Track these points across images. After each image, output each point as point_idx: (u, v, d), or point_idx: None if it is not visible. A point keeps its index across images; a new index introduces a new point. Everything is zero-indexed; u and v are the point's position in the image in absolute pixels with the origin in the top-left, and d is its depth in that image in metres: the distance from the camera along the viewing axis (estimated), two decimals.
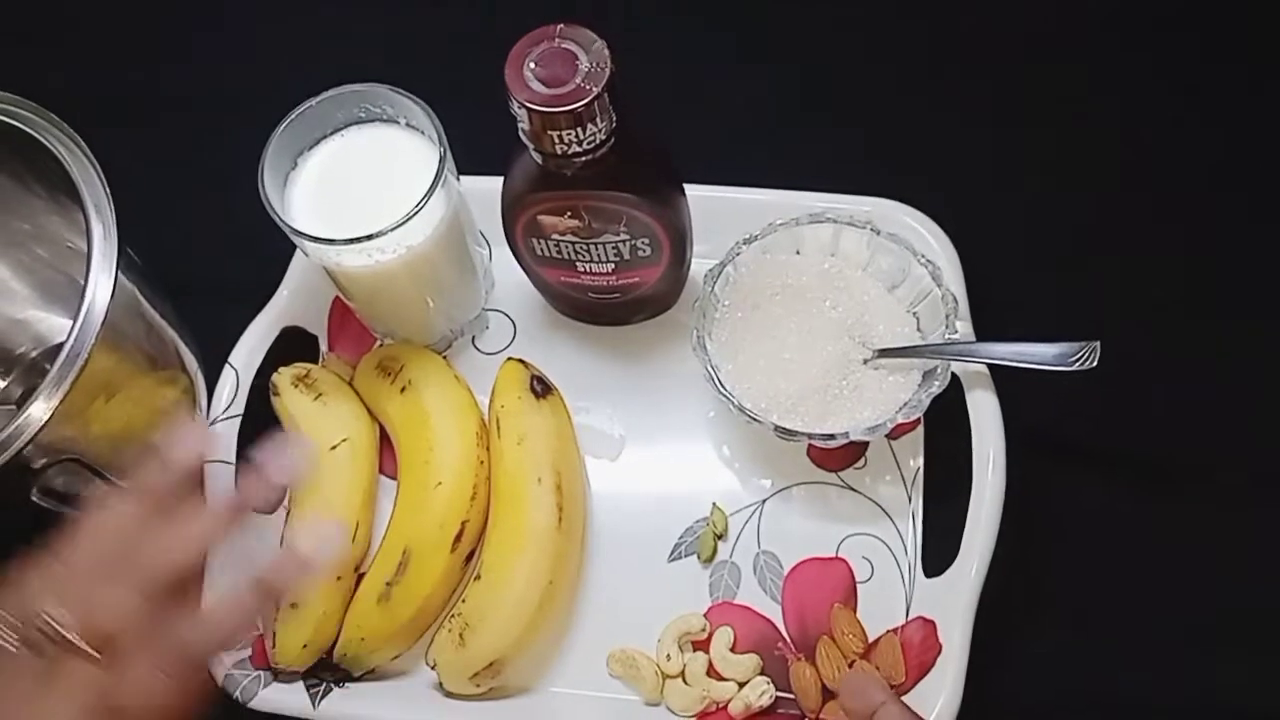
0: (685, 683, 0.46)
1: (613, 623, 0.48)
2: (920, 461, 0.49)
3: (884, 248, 0.48)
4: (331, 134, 0.47)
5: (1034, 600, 0.48)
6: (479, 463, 0.48)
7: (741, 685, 0.46)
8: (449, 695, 0.46)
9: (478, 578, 0.46)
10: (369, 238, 0.42)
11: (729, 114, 0.60)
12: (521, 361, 0.51)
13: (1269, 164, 0.56)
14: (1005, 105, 0.60)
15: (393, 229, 0.43)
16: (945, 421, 0.48)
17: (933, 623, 0.45)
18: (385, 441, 0.52)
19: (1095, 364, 0.44)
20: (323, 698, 0.46)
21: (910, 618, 0.46)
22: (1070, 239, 0.56)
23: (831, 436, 0.45)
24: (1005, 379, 0.47)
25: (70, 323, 0.41)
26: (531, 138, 0.40)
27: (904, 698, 0.43)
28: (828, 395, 0.47)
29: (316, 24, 0.66)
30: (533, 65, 0.39)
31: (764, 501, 0.50)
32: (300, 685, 0.46)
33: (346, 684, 0.47)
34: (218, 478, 0.50)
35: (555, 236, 0.46)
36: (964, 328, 0.49)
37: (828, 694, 0.45)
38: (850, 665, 0.45)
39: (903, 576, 0.48)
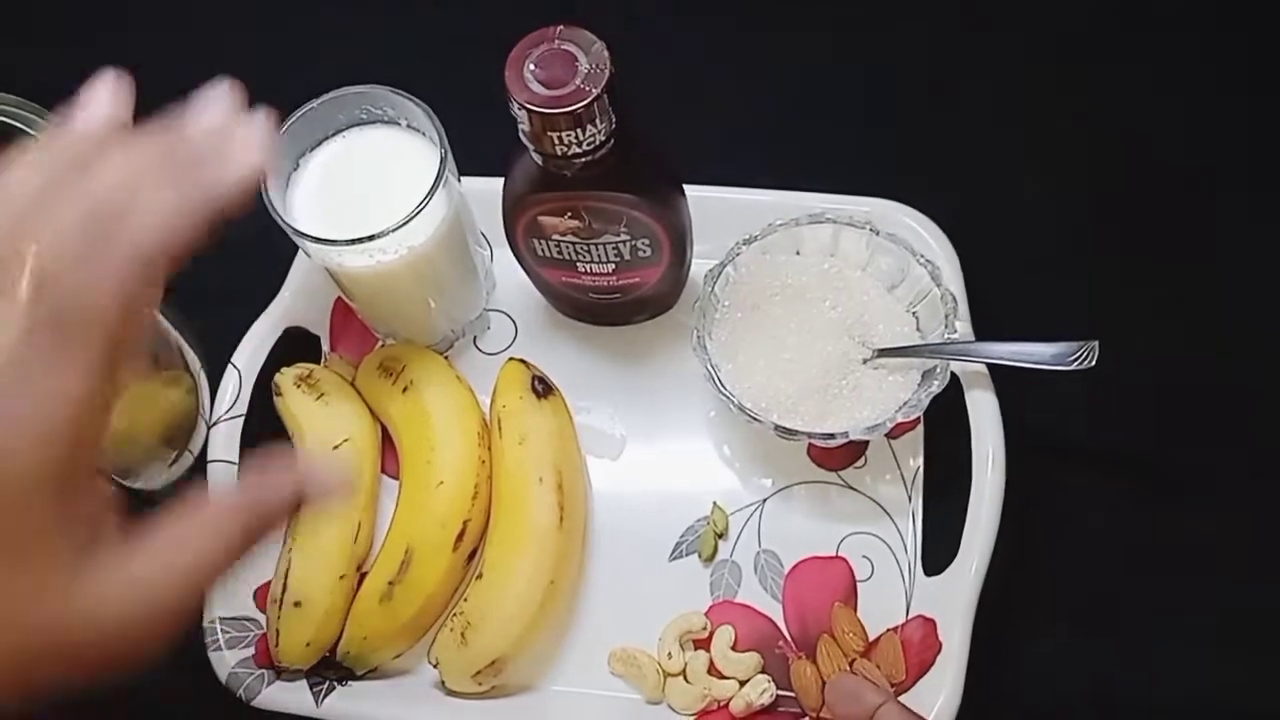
0: (686, 681, 0.46)
1: (614, 621, 0.48)
2: (920, 461, 0.50)
3: (883, 248, 0.49)
4: (333, 135, 0.47)
5: (1034, 599, 0.48)
6: (481, 462, 0.49)
7: (742, 684, 0.46)
8: (451, 693, 0.46)
9: (479, 577, 0.46)
10: (371, 238, 0.43)
11: (729, 114, 0.60)
12: (523, 362, 0.51)
13: (1270, 164, 0.56)
14: (1005, 105, 0.60)
15: (394, 230, 0.43)
16: (945, 421, 0.48)
17: (933, 621, 0.45)
18: (387, 441, 0.52)
19: (1094, 363, 0.44)
20: (326, 696, 0.46)
21: (910, 616, 0.46)
22: (1070, 239, 0.56)
23: (831, 436, 0.46)
24: (1004, 378, 0.47)
25: None
26: (532, 139, 0.40)
27: (904, 696, 0.44)
28: (827, 395, 0.47)
29: (317, 26, 0.66)
30: (532, 67, 0.39)
31: (764, 501, 0.50)
32: (303, 684, 0.47)
33: (349, 682, 0.47)
34: (220, 477, 0.50)
35: (556, 237, 0.46)
36: (963, 327, 0.49)
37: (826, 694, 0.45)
38: (851, 664, 0.45)
39: (903, 575, 0.48)
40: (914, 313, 0.49)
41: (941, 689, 0.43)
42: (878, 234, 0.48)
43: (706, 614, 0.48)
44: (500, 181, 0.46)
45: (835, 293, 0.49)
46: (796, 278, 0.50)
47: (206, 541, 0.28)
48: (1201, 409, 0.51)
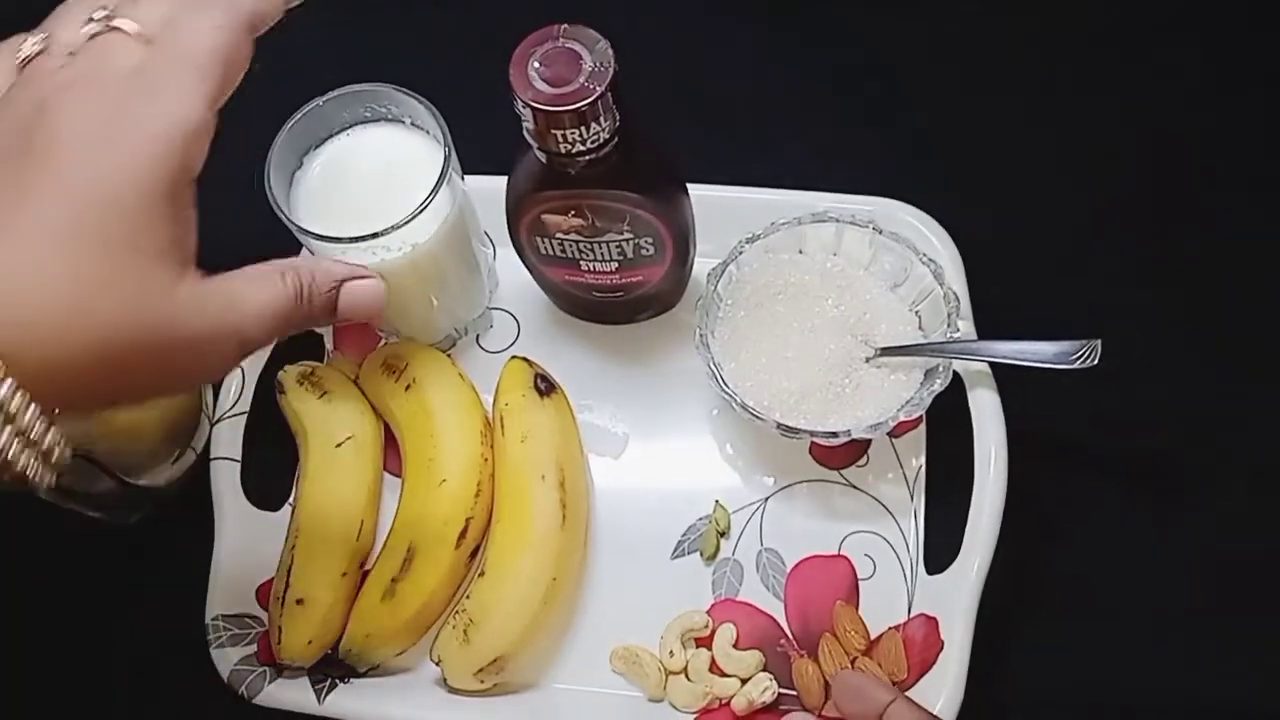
0: (688, 679, 0.46)
1: (616, 619, 0.48)
2: (922, 459, 0.50)
3: (886, 247, 0.49)
4: (337, 133, 0.47)
5: (1035, 597, 0.48)
6: (483, 460, 0.49)
7: (744, 682, 0.46)
8: (453, 691, 0.46)
9: (482, 574, 0.47)
10: (374, 236, 0.43)
11: (731, 114, 0.60)
12: (525, 360, 0.51)
13: (1271, 164, 0.57)
14: (1006, 104, 0.60)
15: (398, 228, 0.43)
16: (947, 419, 0.48)
17: (935, 620, 0.45)
18: (390, 439, 0.52)
19: (1096, 362, 0.44)
20: (328, 693, 0.46)
21: (912, 615, 0.46)
22: (1071, 238, 0.56)
23: (834, 434, 0.46)
24: (1007, 377, 0.48)
25: None
26: (535, 137, 0.41)
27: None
28: (830, 393, 0.48)
29: (321, 23, 0.65)
30: (537, 65, 0.39)
31: (766, 499, 0.50)
32: (305, 681, 0.47)
33: (351, 680, 0.47)
34: (224, 474, 0.50)
35: (559, 235, 0.46)
36: (965, 326, 0.49)
37: (830, 691, 0.45)
38: (853, 662, 0.46)
39: (905, 574, 0.48)
40: (916, 311, 0.49)
41: (943, 687, 0.43)
42: (880, 233, 0.48)
43: (708, 612, 0.48)
44: (504, 180, 0.46)
45: (838, 291, 0.49)
46: (799, 276, 0.50)
47: (276, 293, 0.34)
48: (1202, 407, 0.51)
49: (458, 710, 0.46)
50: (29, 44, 0.32)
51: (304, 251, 0.53)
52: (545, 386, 0.50)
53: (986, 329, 0.50)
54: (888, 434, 0.50)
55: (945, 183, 0.54)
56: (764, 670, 0.46)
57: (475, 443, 0.49)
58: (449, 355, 0.53)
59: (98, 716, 0.51)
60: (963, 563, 0.45)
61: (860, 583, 0.48)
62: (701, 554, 0.49)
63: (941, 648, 0.44)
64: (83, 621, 0.52)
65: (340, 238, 0.43)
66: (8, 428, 0.27)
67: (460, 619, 0.46)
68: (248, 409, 0.51)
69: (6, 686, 0.51)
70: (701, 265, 0.51)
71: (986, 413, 0.47)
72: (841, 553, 0.49)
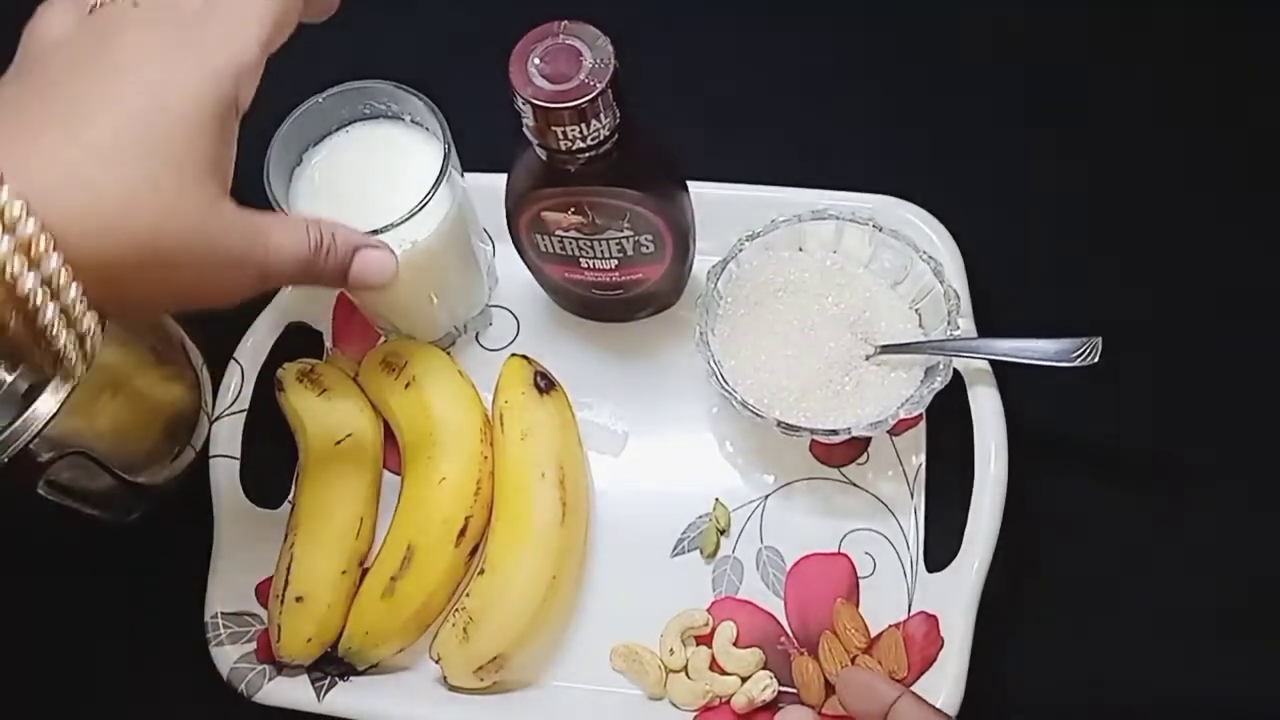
0: (688, 677, 0.46)
1: (616, 617, 0.48)
2: (922, 457, 0.50)
3: (886, 244, 0.49)
4: (336, 130, 0.47)
5: (1036, 595, 0.48)
6: (483, 458, 0.49)
7: (744, 680, 0.46)
8: (453, 689, 0.46)
9: (481, 572, 0.46)
10: (374, 233, 0.42)
11: (731, 111, 0.60)
12: (525, 358, 0.51)
13: (1271, 164, 0.56)
14: (1007, 103, 0.60)
15: (397, 225, 0.43)
16: (947, 417, 0.48)
17: (935, 618, 0.45)
18: (389, 437, 0.52)
19: (1097, 360, 0.44)
20: (327, 691, 0.46)
21: (912, 613, 0.46)
22: (1072, 236, 0.56)
23: (834, 432, 0.46)
24: (1007, 375, 0.47)
25: None
26: (535, 134, 0.40)
27: None
28: (830, 391, 0.48)
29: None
30: (536, 61, 0.39)
31: (766, 497, 0.50)
32: (305, 679, 0.47)
33: (351, 678, 0.47)
34: (223, 472, 0.50)
35: (559, 233, 0.46)
36: (965, 324, 0.49)
37: (830, 689, 0.45)
38: (853, 660, 0.45)
39: (905, 572, 0.48)
40: (916, 309, 0.49)
41: (944, 685, 0.43)
42: (880, 230, 0.48)
43: (708, 610, 0.48)
44: (503, 177, 0.46)
45: (838, 289, 0.49)
46: (799, 274, 0.50)
47: (301, 240, 0.36)
48: (1203, 405, 0.51)
49: (457, 708, 0.46)
50: None
51: None
52: (545, 384, 0.50)
53: (986, 327, 0.50)
54: (888, 432, 0.50)
55: (945, 180, 0.54)
56: (764, 668, 0.46)
57: (475, 440, 0.49)
58: (448, 353, 0.53)
59: (97, 714, 0.51)
60: (963, 560, 0.45)
61: (860, 580, 0.48)
62: (701, 552, 0.49)
63: (941, 645, 0.44)
64: (82, 619, 0.51)
65: None
66: (53, 303, 0.29)
67: (460, 617, 0.46)
68: (247, 406, 0.51)
69: (6, 684, 0.51)
70: (701, 263, 0.51)
71: (987, 410, 0.47)
72: (841, 550, 0.48)
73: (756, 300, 0.50)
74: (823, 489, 0.50)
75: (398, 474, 0.51)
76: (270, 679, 0.46)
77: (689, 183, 0.47)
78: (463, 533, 0.47)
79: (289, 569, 0.47)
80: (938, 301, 0.47)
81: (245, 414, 0.51)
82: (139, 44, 0.32)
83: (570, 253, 0.47)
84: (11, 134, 0.29)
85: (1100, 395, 0.50)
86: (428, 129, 0.46)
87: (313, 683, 0.47)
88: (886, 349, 0.48)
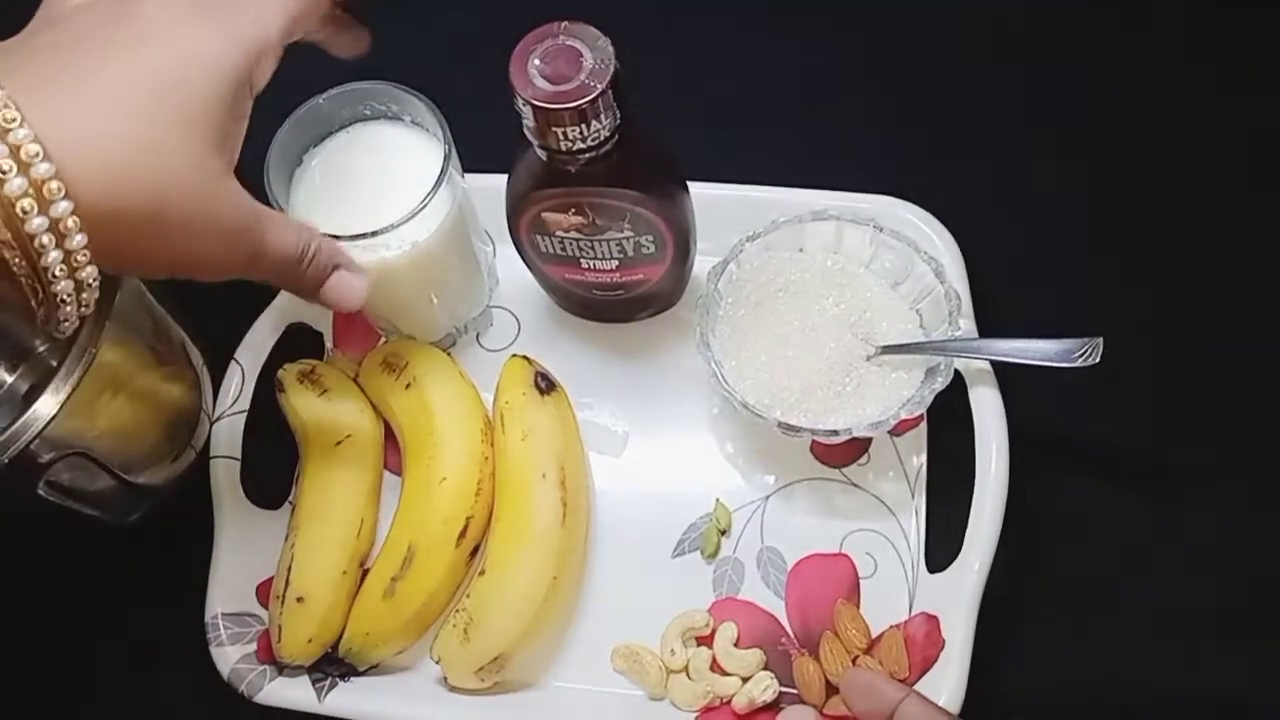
0: (689, 678, 0.46)
1: (617, 618, 0.48)
2: (923, 458, 0.50)
3: (887, 245, 0.49)
4: (337, 131, 0.47)
5: (1037, 596, 0.48)
6: (483, 459, 0.49)
7: (745, 680, 0.46)
8: (453, 690, 0.46)
9: (482, 573, 0.46)
10: (374, 234, 0.43)
11: (732, 111, 0.60)
12: (526, 358, 0.51)
13: (1271, 164, 0.56)
14: (1007, 103, 0.60)
15: (398, 226, 0.43)
16: (948, 418, 0.48)
17: (936, 618, 0.45)
18: (390, 437, 0.52)
19: (1098, 360, 0.44)
20: (328, 692, 0.46)
21: (913, 613, 0.46)
22: (1072, 236, 0.56)
23: (835, 433, 0.46)
24: (1008, 375, 0.47)
25: None
26: (536, 134, 0.40)
27: None
28: (831, 391, 0.47)
29: None
30: (537, 62, 0.39)
31: (767, 498, 0.50)
32: (305, 679, 0.47)
33: (351, 678, 0.47)
34: (223, 473, 0.50)
35: (559, 233, 0.46)
36: (966, 324, 0.49)
37: (831, 689, 0.45)
38: (854, 661, 0.45)
39: (906, 572, 0.48)
40: (917, 310, 0.49)
41: (945, 686, 0.43)
42: (881, 231, 0.48)
43: (709, 611, 0.48)
44: (504, 178, 0.46)
45: (839, 290, 0.49)
46: (800, 275, 0.50)
47: (291, 242, 0.37)
48: (1203, 406, 0.51)
49: (458, 709, 0.46)
50: None
51: None
52: (546, 385, 0.50)
53: (987, 327, 0.50)
54: (889, 432, 0.50)
55: (946, 181, 0.54)
56: (765, 669, 0.46)
57: (476, 441, 0.49)
58: (449, 353, 0.53)
59: (97, 714, 0.51)
60: (964, 561, 0.45)
61: (861, 581, 0.48)
62: (702, 552, 0.49)
63: (942, 646, 0.44)
64: (82, 619, 0.51)
65: (340, 236, 0.43)
66: (56, 249, 0.29)
67: (460, 617, 0.46)
68: (247, 407, 0.51)
69: (6, 684, 0.51)
70: (702, 263, 0.51)
71: (988, 411, 0.47)
72: (842, 551, 0.48)
73: (757, 301, 0.50)
74: (823, 489, 0.50)
75: (398, 474, 0.51)
76: (271, 680, 0.46)
77: (689, 183, 0.47)
78: (463, 533, 0.47)
79: (289, 570, 0.47)
80: (938, 302, 0.47)
81: (246, 415, 0.51)
82: (163, 10, 0.32)
83: (571, 253, 0.47)
84: (33, 81, 0.30)
85: (1101, 395, 0.50)
86: (428, 130, 0.46)
87: (313, 683, 0.47)
88: (887, 349, 0.48)
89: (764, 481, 0.50)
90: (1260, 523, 0.49)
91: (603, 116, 0.39)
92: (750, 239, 0.49)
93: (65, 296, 0.31)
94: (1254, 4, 0.61)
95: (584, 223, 0.45)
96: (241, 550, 0.49)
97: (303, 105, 0.45)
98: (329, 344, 0.55)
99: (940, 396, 0.46)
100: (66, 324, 0.32)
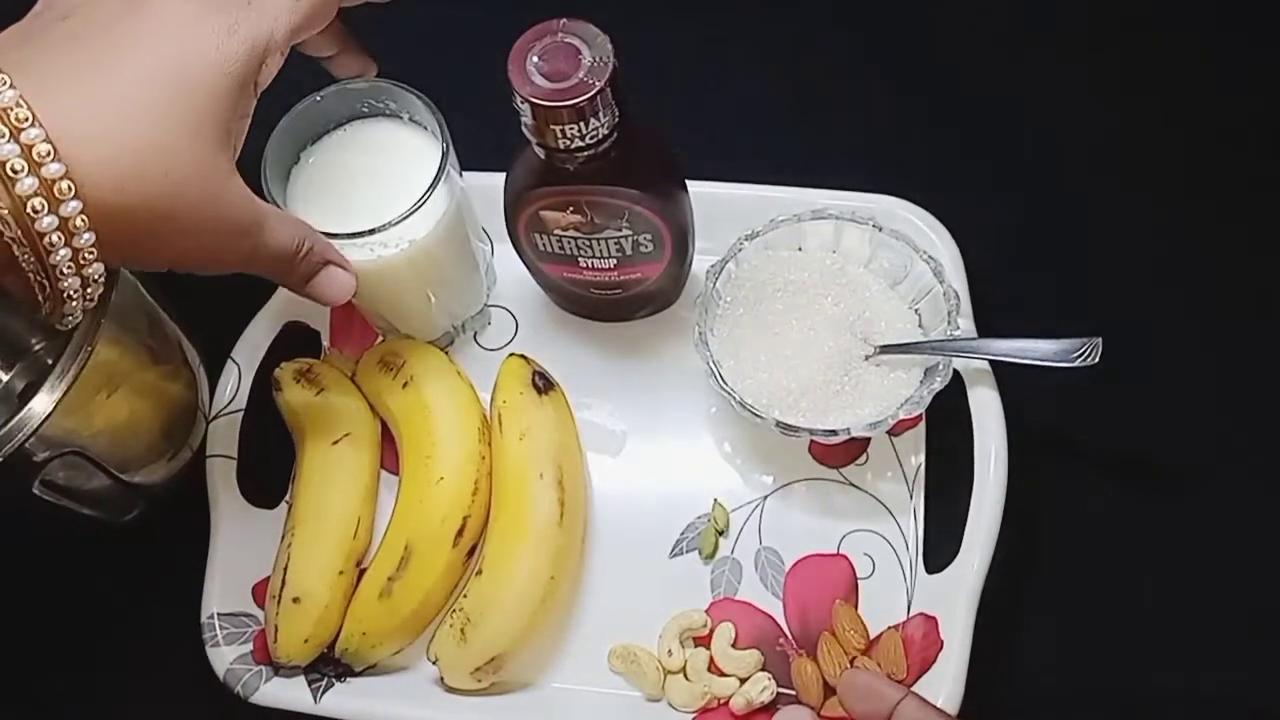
0: (686, 678, 0.46)
1: (614, 618, 0.48)
2: (922, 458, 0.50)
3: (886, 244, 0.48)
4: (334, 129, 0.47)
5: (1035, 596, 0.48)
6: (481, 458, 0.48)
7: (743, 681, 0.46)
8: (450, 690, 0.46)
9: (479, 573, 0.46)
10: (371, 232, 0.42)
11: (731, 110, 0.60)
12: (523, 357, 0.51)
13: (1270, 163, 0.56)
14: (1007, 101, 0.59)
15: (395, 224, 0.43)
16: (947, 418, 0.48)
17: (934, 619, 0.45)
18: (387, 437, 0.52)
19: (1097, 360, 0.44)
20: (324, 692, 0.46)
21: (912, 614, 0.46)
22: (1072, 236, 0.56)
23: (833, 432, 0.45)
24: (1007, 375, 0.47)
25: None
26: (534, 132, 0.40)
27: None
28: (829, 391, 0.47)
29: None
30: (535, 60, 0.39)
31: (765, 498, 0.50)
32: (302, 680, 0.47)
33: (348, 679, 0.47)
34: (220, 472, 0.50)
35: (557, 232, 0.46)
36: (965, 324, 0.49)
37: (829, 690, 0.45)
38: (852, 661, 0.45)
39: (904, 573, 0.48)
40: (916, 309, 0.49)
41: (943, 687, 0.43)
42: (880, 230, 0.48)
43: (707, 611, 0.47)
44: (502, 176, 0.45)
45: (837, 289, 0.49)
46: (798, 274, 0.50)
47: (288, 238, 0.39)
48: (1203, 406, 0.51)
49: (455, 710, 0.46)
50: None
51: None
52: (543, 384, 0.50)
53: (986, 327, 0.50)
54: (887, 432, 0.50)
55: (945, 180, 0.54)
56: (763, 669, 0.46)
57: (473, 440, 0.49)
58: (447, 352, 0.52)
59: (93, 714, 0.50)
60: (962, 561, 0.45)
61: (859, 581, 0.48)
62: (700, 553, 0.49)
63: (941, 647, 0.44)
64: (77, 619, 0.51)
65: (337, 234, 0.43)
66: (65, 247, 0.30)
67: (457, 618, 0.45)
68: (244, 406, 0.51)
69: (4, 684, 0.51)
70: (700, 262, 0.51)
71: (986, 411, 0.47)
72: (841, 551, 0.48)
73: (756, 300, 0.49)
74: (822, 490, 0.50)
75: (395, 474, 0.51)
76: (267, 680, 0.46)
77: (688, 182, 0.47)
78: (460, 533, 0.47)
79: (286, 569, 0.47)
80: (937, 301, 0.47)
81: (242, 413, 0.51)
82: (172, 8, 0.33)
83: (569, 252, 0.47)
84: (44, 79, 0.30)
85: (1100, 395, 0.50)
86: (426, 127, 0.46)
87: (309, 684, 0.46)
88: (886, 349, 0.48)
89: (762, 481, 0.50)
90: (1260, 522, 0.49)
91: (601, 114, 0.39)
92: (749, 238, 0.49)
93: (71, 292, 0.31)
94: (1254, 4, 0.61)
95: (582, 221, 0.44)
96: (238, 550, 0.49)
97: (300, 102, 0.45)
98: (326, 342, 0.54)
99: (939, 396, 0.46)
100: (70, 318, 0.33)
